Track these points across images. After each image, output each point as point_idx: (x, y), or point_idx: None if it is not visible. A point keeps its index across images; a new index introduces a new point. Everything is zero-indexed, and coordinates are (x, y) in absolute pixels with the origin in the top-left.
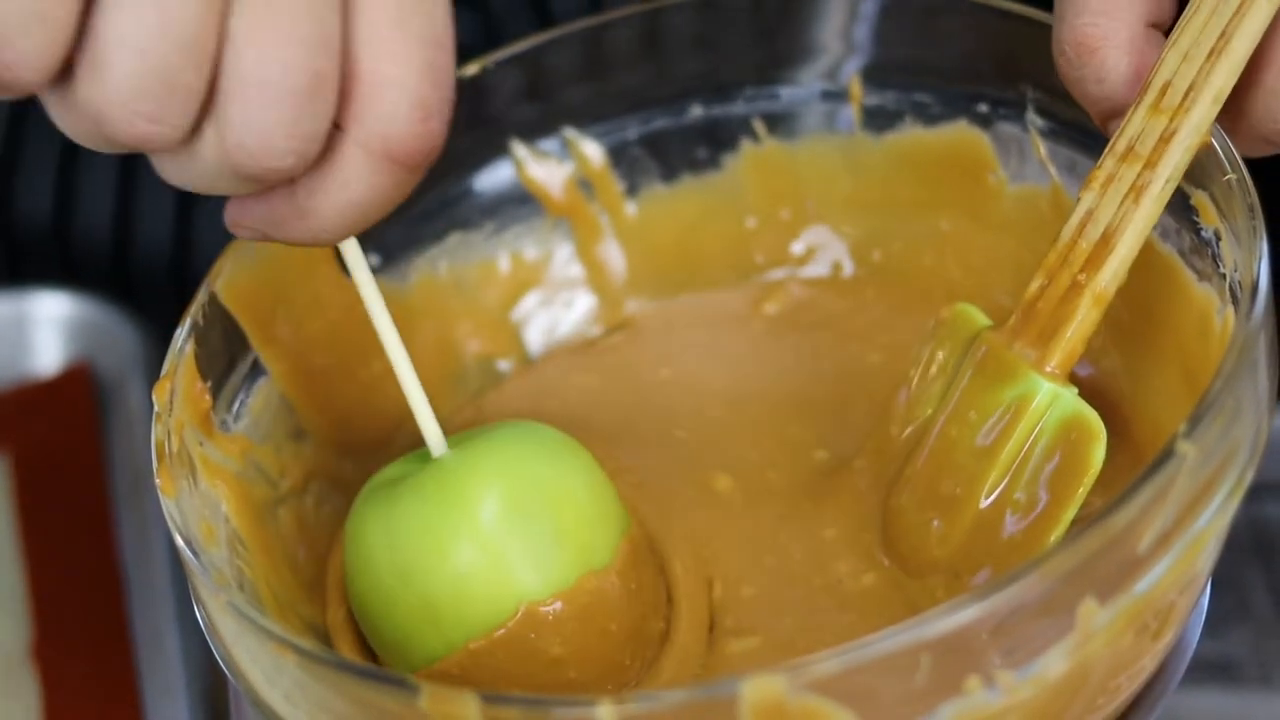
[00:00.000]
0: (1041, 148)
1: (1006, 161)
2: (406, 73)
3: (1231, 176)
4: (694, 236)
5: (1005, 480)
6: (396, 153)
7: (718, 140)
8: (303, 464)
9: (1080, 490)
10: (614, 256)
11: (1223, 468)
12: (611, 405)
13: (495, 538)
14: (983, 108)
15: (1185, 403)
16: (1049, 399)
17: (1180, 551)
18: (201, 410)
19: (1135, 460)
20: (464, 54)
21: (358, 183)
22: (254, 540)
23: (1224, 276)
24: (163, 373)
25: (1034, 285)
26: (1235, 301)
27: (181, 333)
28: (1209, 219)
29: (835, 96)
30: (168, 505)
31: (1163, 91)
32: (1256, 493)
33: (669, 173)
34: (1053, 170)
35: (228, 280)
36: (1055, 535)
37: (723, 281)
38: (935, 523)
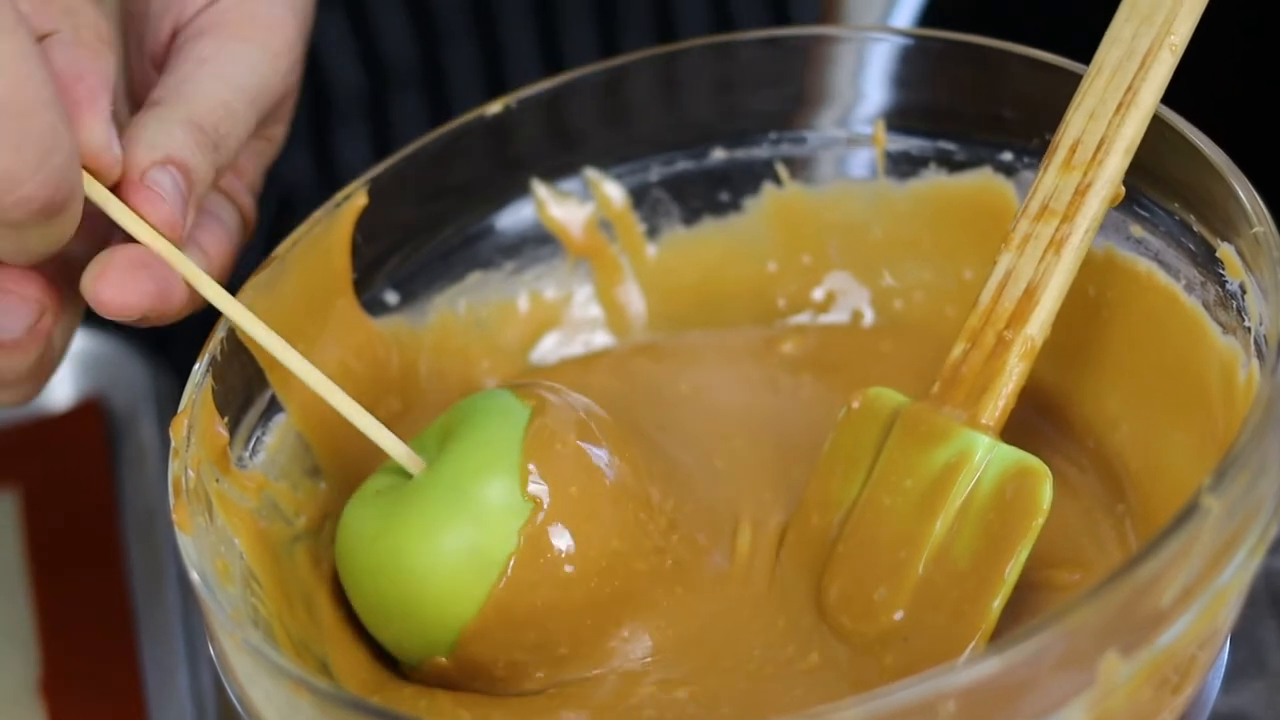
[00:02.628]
0: None
1: None
2: None
3: (1258, 230)
4: (714, 279)
5: (949, 537)
6: (10, 220)
7: (740, 183)
8: (318, 503)
9: (1030, 534)
10: (634, 298)
11: (1246, 523)
12: (637, 412)
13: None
14: (1007, 156)
15: (1206, 457)
16: (986, 450)
17: (1203, 606)
18: (218, 447)
19: (1149, 520)
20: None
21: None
22: (269, 578)
23: (1249, 330)
24: (180, 408)
25: (956, 351)
26: (1260, 355)
27: (199, 368)
28: (1235, 272)
29: (859, 142)
30: (184, 542)
31: (1072, 150)
32: (1271, 547)
33: (690, 215)
34: None
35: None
36: (1008, 581)
37: (742, 325)
38: (880, 592)
